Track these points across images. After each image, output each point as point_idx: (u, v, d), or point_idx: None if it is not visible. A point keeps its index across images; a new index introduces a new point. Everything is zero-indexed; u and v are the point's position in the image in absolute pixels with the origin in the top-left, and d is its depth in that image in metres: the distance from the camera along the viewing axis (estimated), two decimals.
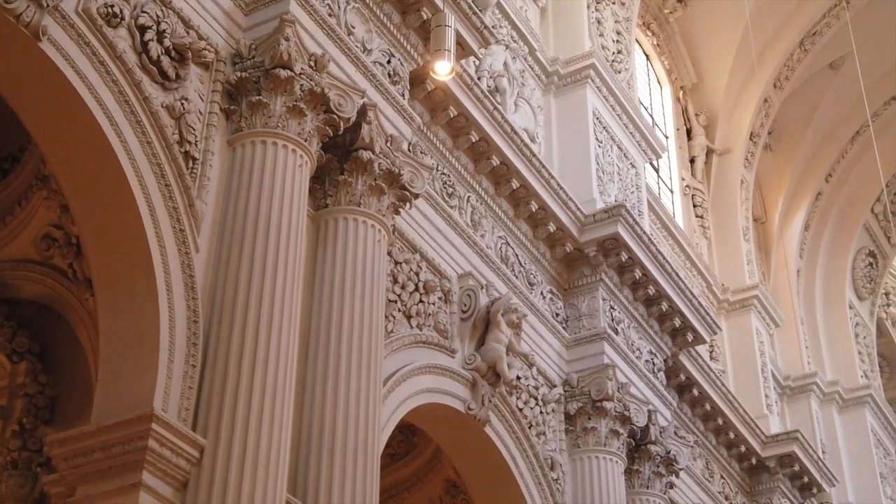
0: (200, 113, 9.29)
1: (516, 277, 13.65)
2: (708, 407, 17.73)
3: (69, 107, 8.37)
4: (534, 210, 13.97)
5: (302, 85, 9.67)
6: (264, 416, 8.27)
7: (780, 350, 23.30)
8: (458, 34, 11.74)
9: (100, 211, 8.62)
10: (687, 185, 22.38)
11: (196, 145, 9.13)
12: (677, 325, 15.81)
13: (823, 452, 21.96)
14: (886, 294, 29.53)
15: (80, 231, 9.00)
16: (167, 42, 9.05)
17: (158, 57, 8.95)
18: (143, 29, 8.88)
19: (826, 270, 25.10)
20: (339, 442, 9.12)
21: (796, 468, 19.41)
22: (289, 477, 8.57)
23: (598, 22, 17.21)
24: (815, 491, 20.08)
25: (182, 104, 9.08)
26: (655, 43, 22.55)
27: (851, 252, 25.56)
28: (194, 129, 9.14)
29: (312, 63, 9.87)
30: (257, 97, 9.53)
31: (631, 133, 16.92)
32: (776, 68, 22.70)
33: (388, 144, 10.65)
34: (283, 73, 9.56)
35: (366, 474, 9.16)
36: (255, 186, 9.20)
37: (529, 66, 15.94)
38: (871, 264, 26.34)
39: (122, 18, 8.73)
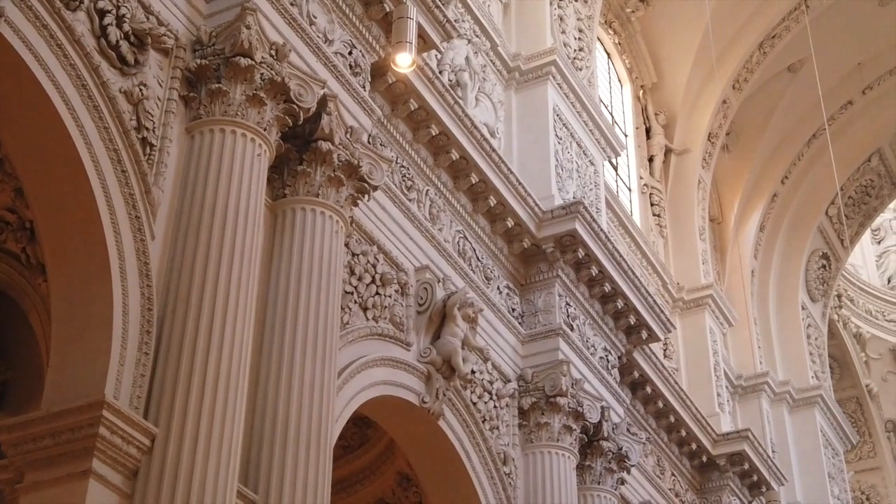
0: (159, 99, 9.21)
1: (473, 272, 13.67)
2: (660, 404, 17.86)
3: (25, 90, 8.26)
4: (492, 205, 14.00)
5: (262, 74, 9.63)
6: (217, 405, 8.24)
7: (733, 349, 23.48)
8: (419, 27, 11.75)
9: (54, 196, 8.53)
10: (645, 184, 22.50)
11: (154, 132, 9.05)
12: (632, 323, 15.89)
13: (773, 451, 22.15)
14: (838, 296, 29.87)
15: (34, 215, 8.91)
16: (126, 27, 8.96)
17: (117, 42, 8.86)
18: (102, 13, 8.78)
19: (780, 272, 25.30)
20: (291, 433, 9.10)
21: (746, 467, 19.58)
22: (240, 467, 8.53)
23: (561, 19, 17.26)
24: (763, 489, 20.26)
25: (140, 90, 9.00)
26: (617, 41, 22.63)
27: (805, 254, 25.79)
28: (152, 116, 9.07)
29: (273, 52, 9.83)
30: (217, 85, 9.47)
31: (591, 130, 16.99)
32: (735, 70, 22.85)
33: (348, 136, 10.62)
34: (244, 61, 9.51)
35: (318, 465, 9.14)
36: (213, 174, 9.14)
37: (491, 61, 15.96)
38: (824, 266, 26.58)
39: (81, 2, 8.63)
